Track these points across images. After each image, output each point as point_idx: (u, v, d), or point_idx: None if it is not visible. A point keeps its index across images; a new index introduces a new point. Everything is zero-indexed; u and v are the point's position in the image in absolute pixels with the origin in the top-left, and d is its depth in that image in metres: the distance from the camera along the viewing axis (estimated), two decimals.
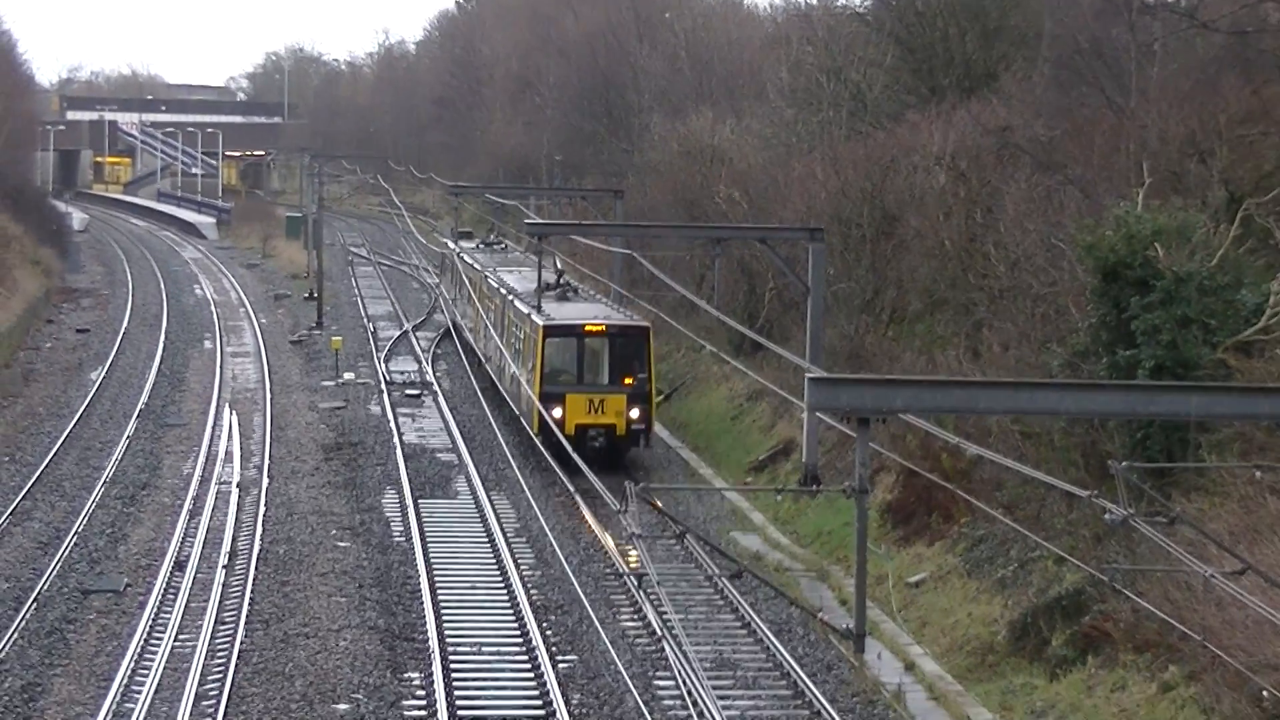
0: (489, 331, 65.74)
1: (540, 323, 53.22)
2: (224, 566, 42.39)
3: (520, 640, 37.22)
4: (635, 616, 38.49)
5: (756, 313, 60.40)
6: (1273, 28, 45.12)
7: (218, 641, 36.63)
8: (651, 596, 35.54)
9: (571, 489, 47.94)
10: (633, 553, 41.47)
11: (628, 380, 51.77)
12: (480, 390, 66.02)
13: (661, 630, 34.58)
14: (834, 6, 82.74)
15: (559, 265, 64.28)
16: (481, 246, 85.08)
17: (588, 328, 52.99)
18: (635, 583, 36.31)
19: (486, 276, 70.04)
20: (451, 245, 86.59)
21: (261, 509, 48.38)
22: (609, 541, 42.79)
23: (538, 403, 49.50)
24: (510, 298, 61.20)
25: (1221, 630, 26.51)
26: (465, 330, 77.43)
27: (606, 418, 50.32)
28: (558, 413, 49.42)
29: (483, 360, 68.78)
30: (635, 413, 51.27)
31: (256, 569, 42.26)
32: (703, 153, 75.77)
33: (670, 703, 32.94)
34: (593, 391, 51.67)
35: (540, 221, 72.35)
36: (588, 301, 60.05)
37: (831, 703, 33.03)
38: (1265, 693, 26.29)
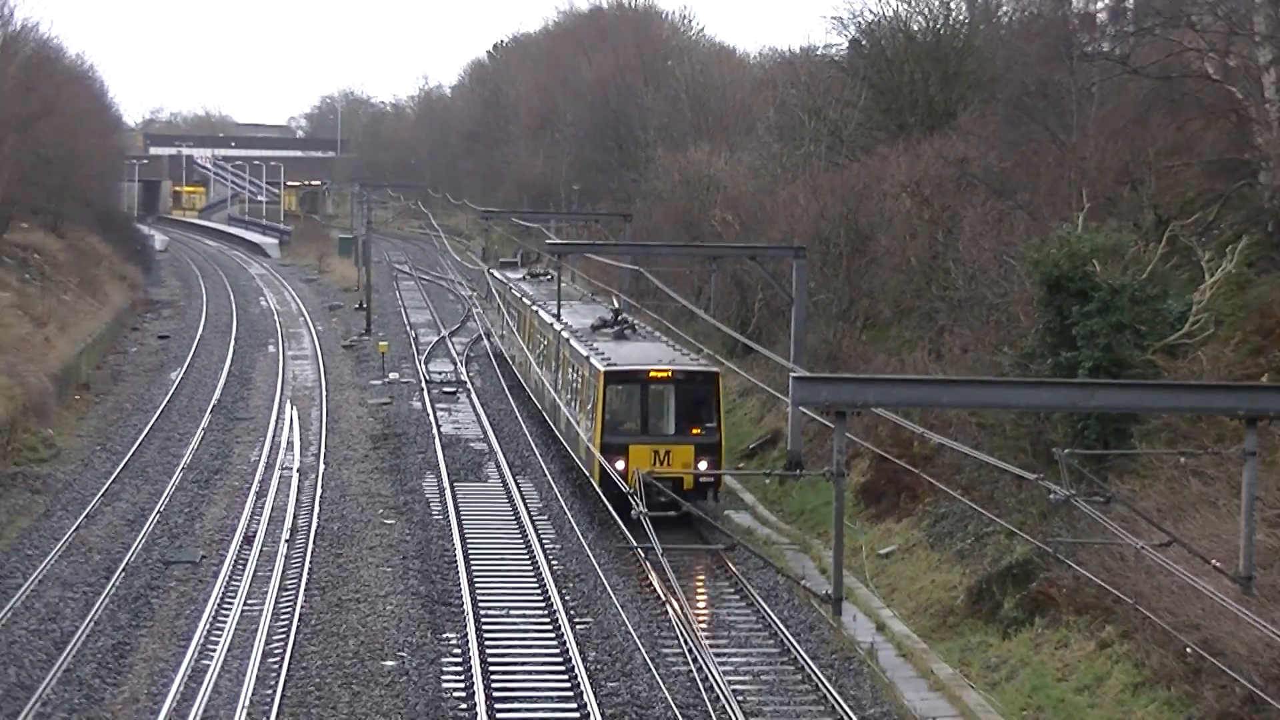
0: (538, 366, 56.93)
1: (601, 367, 43.59)
2: (286, 541, 42.47)
3: (543, 605, 37.29)
4: (643, 584, 38.58)
5: (747, 320, 60.37)
6: (1194, 73, 45.17)
7: (281, 606, 36.76)
8: (657, 567, 35.56)
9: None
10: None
11: (695, 430, 42.44)
12: (508, 389, 65.97)
13: (665, 596, 34.64)
14: (814, 54, 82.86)
15: (616, 303, 56.26)
16: (528, 277, 74.76)
17: (652, 373, 43.17)
18: (643, 555, 36.21)
19: (537, 310, 60.50)
20: (496, 274, 77.71)
21: (318, 491, 48.46)
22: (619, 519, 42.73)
23: (598, 454, 41.12)
24: (564, 335, 51.51)
25: (1151, 595, 26.59)
26: (510, 361, 68.52)
27: (674, 470, 40.63)
28: (620, 465, 40.67)
29: (532, 397, 59.22)
30: (704, 464, 41.70)
31: (314, 543, 42.39)
32: (700, 181, 75.79)
33: (674, 659, 33.04)
34: (658, 442, 42.12)
35: (559, 242, 72.27)
36: (648, 340, 50.45)
37: (813, 659, 33.18)
38: (1188, 649, 26.39)
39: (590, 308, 59.88)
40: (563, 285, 59.30)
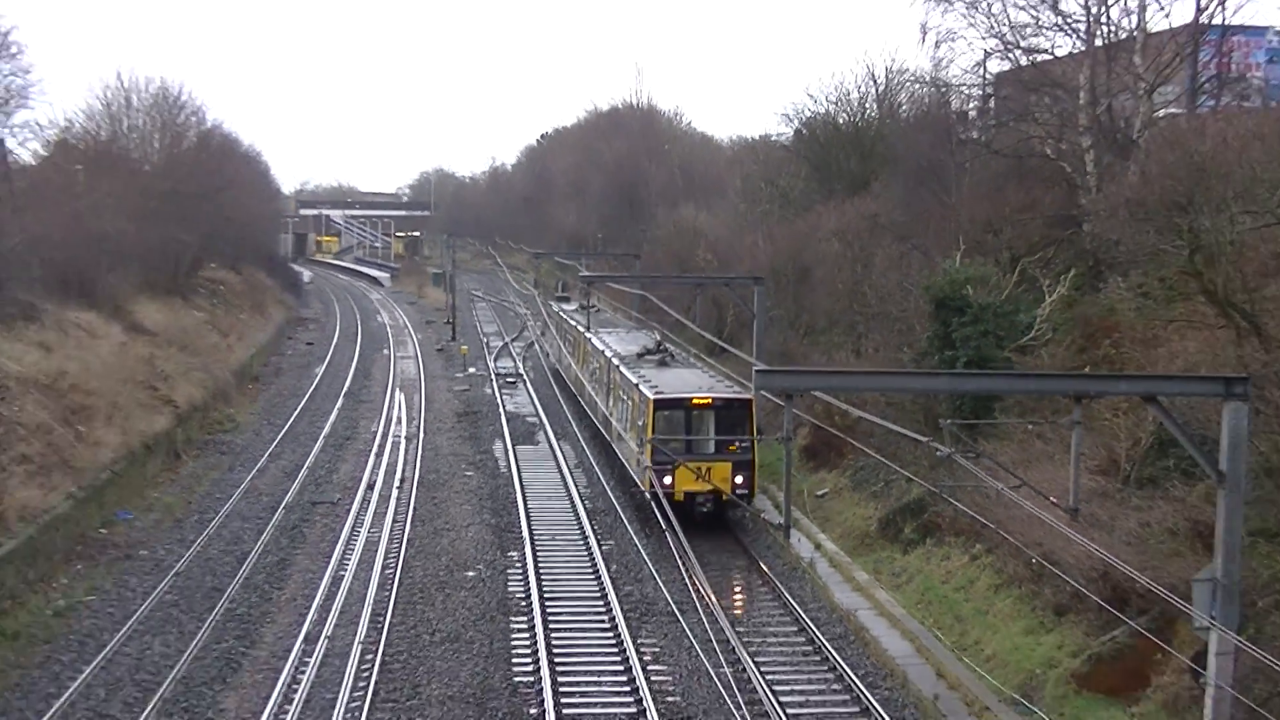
0: (590, 385, 50.52)
1: (650, 396, 37.44)
2: (397, 487, 42.64)
3: (579, 532, 37.45)
4: (649, 520, 38.73)
5: (722, 329, 60.29)
6: (1037, 153, 45.23)
7: (394, 533, 36.92)
8: (660, 507, 35.73)
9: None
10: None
11: (732, 447, 36.97)
12: (553, 382, 66.04)
13: (666, 526, 34.77)
14: (769, 140, 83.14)
15: (659, 337, 48.86)
16: (580, 309, 66.08)
17: (694, 400, 37.42)
18: (649, 498, 36.32)
19: (589, 338, 53.46)
20: (552, 305, 72.29)
21: (419, 452, 48.63)
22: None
23: (650, 471, 36.14)
24: (615, 362, 44.87)
25: (1007, 522, 26.66)
26: (564, 374, 62.07)
27: (713, 484, 35.46)
28: (667, 480, 35.98)
29: (584, 407, 52.78)
30: (740, 479, 36.46)
31: (416, 489, 42.55)
32: (688, 230, 75.57)
33: (671, 571, 33.11)
34: (700, 460, 36.36)
35: (589, 274, 72.28)
36: (686, 367, 44.16)
37: (771, 569, 33.36)
38: (1033, 560, 26.50)
39: (633, 335, 53.85)
40: (607, 315, 54.49)
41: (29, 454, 34.70)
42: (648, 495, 36.06)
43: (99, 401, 41.98)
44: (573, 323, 60.24)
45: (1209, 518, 22.66)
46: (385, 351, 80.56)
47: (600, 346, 49.27)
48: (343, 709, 24.02)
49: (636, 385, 39.34)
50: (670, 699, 24.84)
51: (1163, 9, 41.42)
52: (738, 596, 32.04)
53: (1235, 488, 20.59)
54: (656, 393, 37.54)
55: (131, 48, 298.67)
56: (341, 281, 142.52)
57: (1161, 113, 41.95)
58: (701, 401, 37.23)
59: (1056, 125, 44.50)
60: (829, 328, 51.66)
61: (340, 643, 27.63)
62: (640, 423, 37.90)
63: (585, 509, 39.77)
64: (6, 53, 43.81)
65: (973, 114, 55.78)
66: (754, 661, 26.49)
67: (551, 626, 28.75)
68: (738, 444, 36.74)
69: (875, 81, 68.74)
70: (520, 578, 32.72)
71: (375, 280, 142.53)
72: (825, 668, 26.80)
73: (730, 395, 37.73)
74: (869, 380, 31.18)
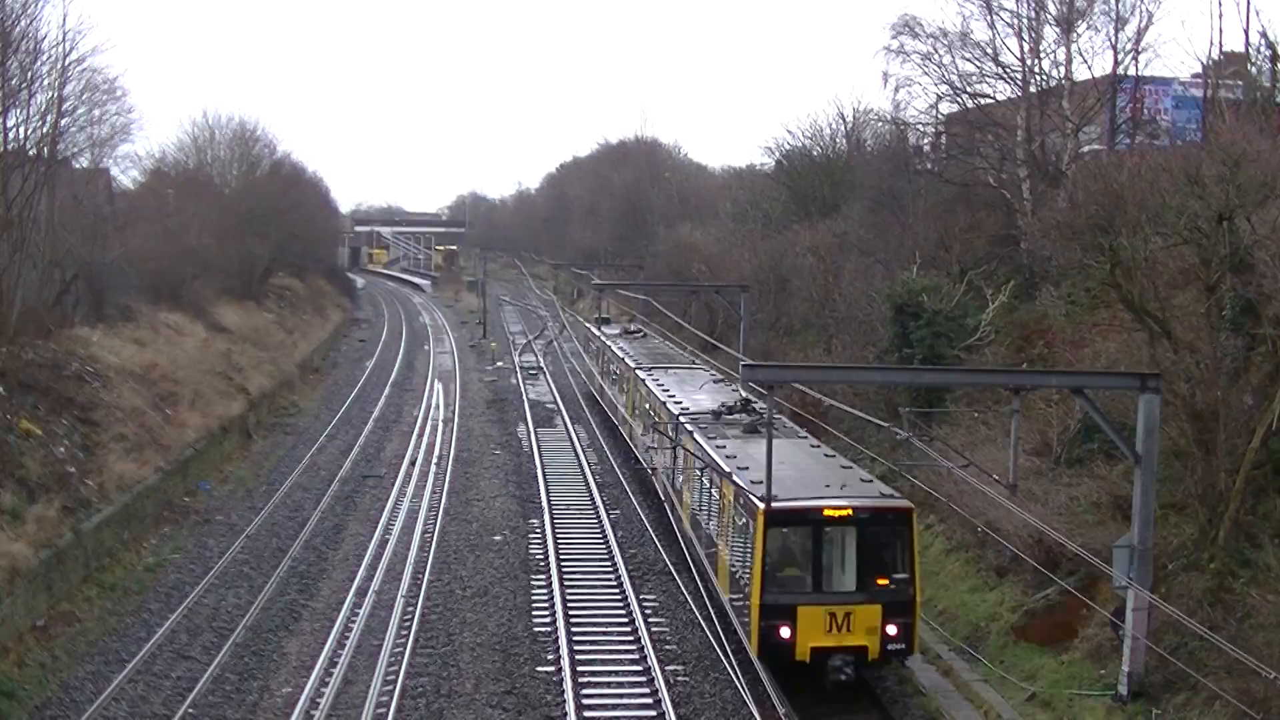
0: (651, 441, 35.22)
1: (759, 504, 21.22)
2: (435, 463, 42.57)
3: (590, 502, 37.23)
4: (650, 492, 38.57)
5: (713, 330, 60.02)
6: (981, 182, 45.06)
7: (432, 502, 36.85)
8: (660, 481, 35.56)
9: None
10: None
11: (882, 581, 21.17)
12: (569, 371, 65.87)
13: (664, 499, 34.58)
14: (754, 169, 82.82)
15: (741, 391, 31.83)
16: (623, 333, 53.06)
17: (827, 511, 21.27)
18: (651, 472, 36.10)
19: (642, 377, 38.38)
20: (591, 328, 57.73)
21: (455, 434, 48.52)
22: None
23: (758, 619, 20.94)
24: (688, 426, 29.10)
25: (956, 496, 26.45)
26: (609, 411, 47.53)
27: (855, 637, 20.68)
28: (785, 633, 20.84)
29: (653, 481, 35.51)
30: (893, 628, 20.95)
31: (452, 465, 42.46)
32: (685, 246, 75.43)
33: (670, 535, 33.05)
34: (835, 601, 20.94)
35: (601, 282, 72.10)
36: (785, 437, 26.92)
37: None
38: (979, 528, 26.32)
39: (696, 378, 38.34)
40: (655, 341, 42.49)
41: (125, 433, 34.62)
42: (755, 658, 21.42)
43: (184, 389, 41.92)
44: (620, 354, 45.65)
45: (1127, 493, 22.51)
46: (426, 348, 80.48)
47: (660, 396, 34.47)
48: (387, 654, 23.88)
49: (731, 476, 23.61)
50: (668, 647, 24.68)
51: (1086, 62, 41.48)
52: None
53: (1149, 468, 20.47)
54: (771, 501, 21.22)
55: (216, 87, 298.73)
56: (390, 287, 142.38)
57: (1086, 149, 41.93)
58: (838, 513, 21.22)
59: (998, 158, 44.51)
60: (804, 329, 51.47)
61: (386, 596, 27.51)
62: (742, 539, 22.44)
63: (596, 483, 39.56)
64: (113, 96, 44.13)
65: (927, 148, 55.60)
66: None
67: (566, 584, 28.56)
68: (890, 576, 21.17)
69: (844, 120, 68.56)
70: (540, 542, 32.56)
71: (418, 287, 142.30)
72: None
73: (879, 503, 21.70)
74: (839, 374, 31.19)
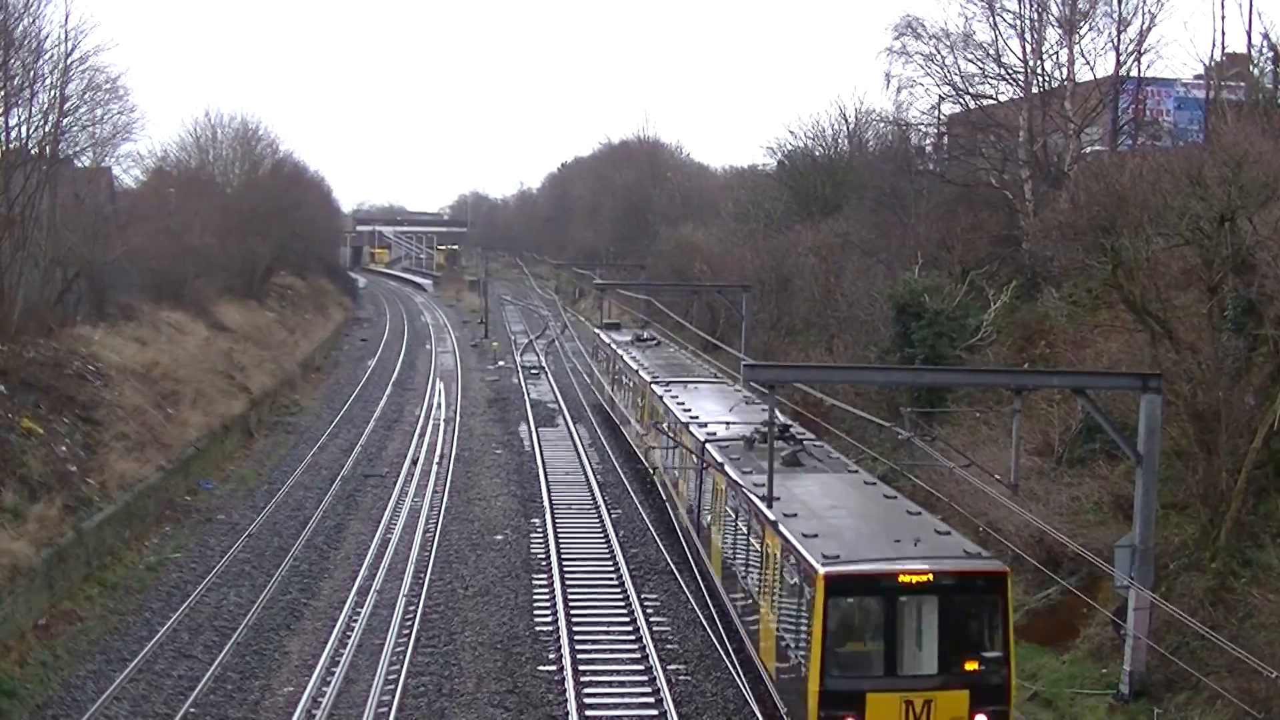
0: (670, 466, 31.35)
1: (819, 568, 16.38)
2: (436, 463, 42.51)
3: (591, 501, 37.17)
4: (651, 490, 38.57)
5: (715, 329, 60.04)
6: (983, 183, 45.09)
7: (433, 502, 36.79)
8: (660, 481, 35.55)
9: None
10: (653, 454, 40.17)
11: (970, 665, 16.14)
12: (570, 371, 65.82)
13: (665, 498, 34.55)
14: (756, 169, 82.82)
15: (785, 422, 26.87)
16: (635, 342, 48.39)
17: (903, 577, 16.28)
18: (650, 471, 36.01)
19: (660, 395, 34.12)
20: (601, 335, 53.16)
21: (456, 433, 48.49)
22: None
23: (816, 708, 16.15)
24: (718, 457, 24.74)
25: (957, 495, 26.49)
26: (628, 437, 41.86)
27: None
28: None
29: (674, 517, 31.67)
30: (984, 718, 15.96)
31: (453, 464, 42.41)
32: (687, 245, 75.39)
33: (673, 535, 33.04)
34: (912, 687, 15.89)
35: (603, 281, 72.11)
36: (831, 471, 23.55)
37: None
38: (980, 527, 26.32)
39: (721, 393, 34.80)
40: (671, 350, 39.50)
41: (127, 432, 34.62)
42: None
43: (186, 388, 41.92)
44: (632, 364, 41.64)
45: (1128, 493, 22.53)
46: (428, 347, 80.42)
47: (682, 417, 30.08)
48: (389, 653, 23.87)
49: (778, 527, 19.06)
50: (670, 646, 24.67)
51: (1088, 63, 41.37)
52: None
53: (1150, 468, 20.48)
54: (830, 560, 16.82)
55: (218, 86, 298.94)
56: (392, 286, 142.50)
57: (1088, 150, 41.95)
58: (917, 578, 16.63)
59: (1000, 159, 44.52)
60: (805, 329, 51.48)
61: (387, 595, 27.49)
62: (794, 602, 17.71)
63: (597, 482, 39.54)
64: (115, 95, 44.07)
65: (929, 149, 55.63)
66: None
67: (568, 583, 28.56)
68: (979, 657, 16.56)
69: (846, 120, 68.48)
70: (542, 541, 32.53)
71: (420, 286, 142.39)
72: None
73: (966, 566, 17.04)
74: (840, 374, 31.20)
